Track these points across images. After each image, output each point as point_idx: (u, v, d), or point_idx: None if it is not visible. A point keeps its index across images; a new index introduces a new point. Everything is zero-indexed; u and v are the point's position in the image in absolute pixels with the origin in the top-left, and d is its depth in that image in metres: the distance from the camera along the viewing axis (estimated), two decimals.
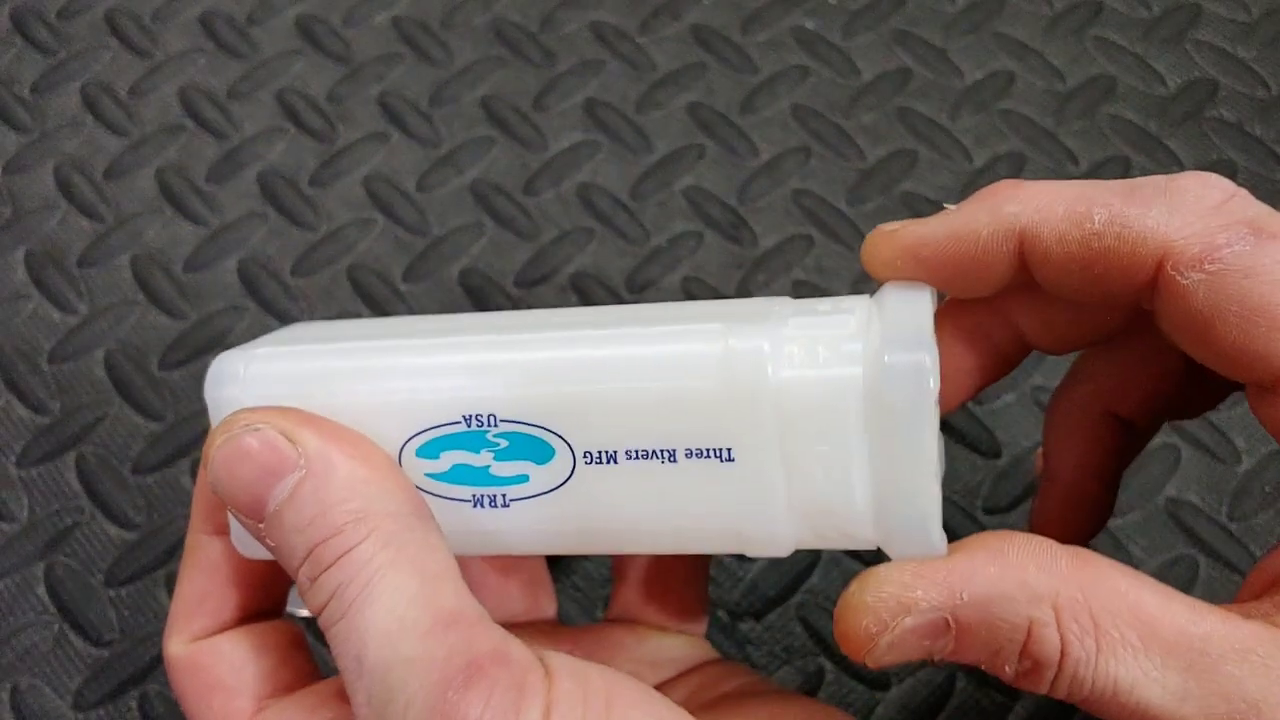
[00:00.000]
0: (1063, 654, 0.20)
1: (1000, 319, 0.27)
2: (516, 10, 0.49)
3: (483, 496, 0.24)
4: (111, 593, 0.37)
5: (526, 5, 0.49)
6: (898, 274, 0.24)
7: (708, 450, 0.22)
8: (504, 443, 0.23)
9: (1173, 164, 0.43)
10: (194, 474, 0.39)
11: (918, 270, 0.24)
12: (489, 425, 0.23)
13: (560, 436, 0.23)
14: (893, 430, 0.21)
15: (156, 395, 0.40)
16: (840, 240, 0.43)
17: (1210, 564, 0.36)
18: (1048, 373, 0.39)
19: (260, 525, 0.22)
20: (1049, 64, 0.46)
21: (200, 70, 0.48)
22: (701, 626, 0.31)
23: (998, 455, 0.38)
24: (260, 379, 0.24)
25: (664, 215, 0.43)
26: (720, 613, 0.36)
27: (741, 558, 0.37)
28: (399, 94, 0.47)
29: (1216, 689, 0.20)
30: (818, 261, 0.42)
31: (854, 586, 0.21)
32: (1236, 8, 0.47)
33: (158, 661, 0.36)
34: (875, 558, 0.22)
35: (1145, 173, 0.43)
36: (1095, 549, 0.22)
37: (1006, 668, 0.21)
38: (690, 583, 0.31)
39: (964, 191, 0.43)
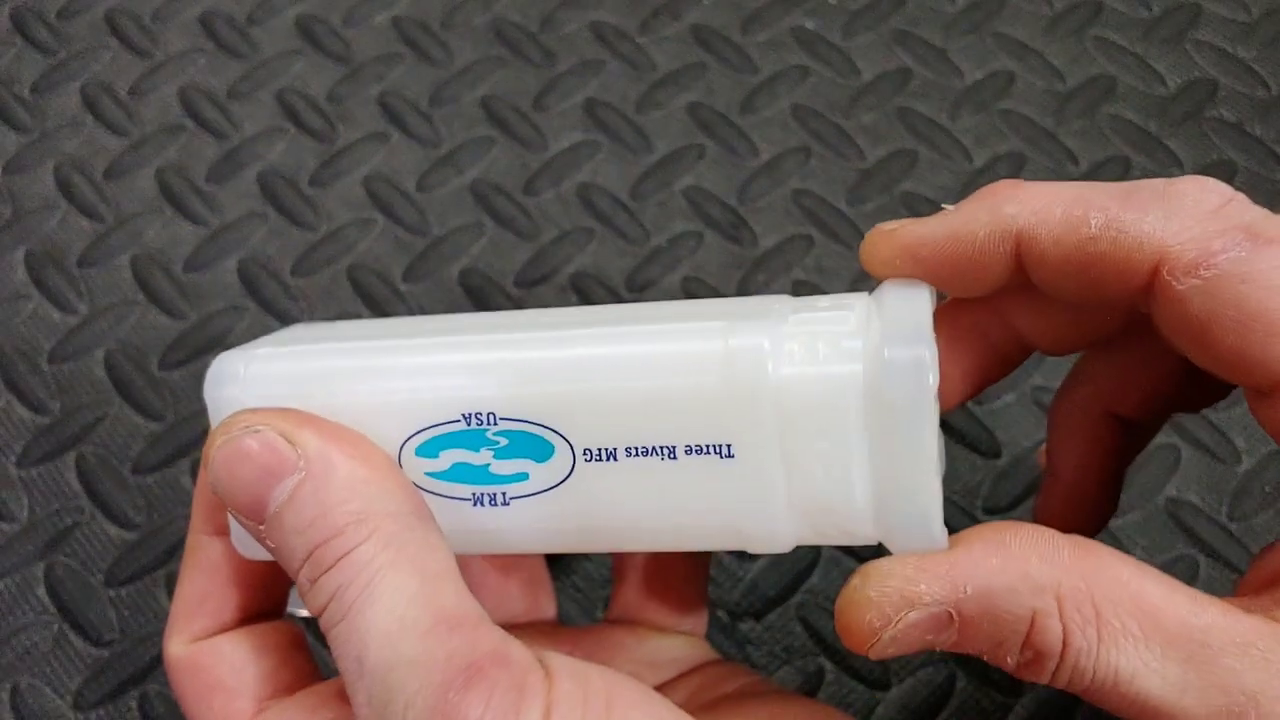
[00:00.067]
0: (1064, 644, 0.20)
1: (999, 319, 0.27)
2: (516, 10, 0.49)
3: (483, 495, 0.24)
4: (111, 593, 0.37)
5: (526, 5, 0.49)
6: (896, 273, 0.24)
7: (708, 447, 0.22)
8: (504, 441, 0.23)
9: (1173, 164, 0.43)
10: (194, 474, 0.39)
11: (916, 269, 0.24)
12: (488, 423, 0.23)
13: (560, 434, 0.23)
14: (893, 425, 0.21)
15: (156, 395, 0.40)
16: (840, 240, 0.43)
17: (1210, 564, 0.36)
18: (1048, 373, 0.39)
19: (260, 527, 0.22)
20: (1049, 64, 0.46)
21: (200, 70, 0.48)
22: (701, 626, 0.31)
23: (998, 455, 0.38)
24: (260, 379, 0.24)
25: (664, 215, 0.43)
26: (720, 613, 0.36)
27: (742, 556, 0.37)
28: (399, 94, 0.47)
29: (1216, 681, 0.20)
30: (818, 261, 0.42)
31: (855, 581, 0.21)
32: (1236, 8, 0.47)
33: (158, 661, 0.36)
34: (873, 556, 0.22)
35: (1145, 172, 0.43)
36: None
37: (1008, 659, 0.21)
38: (690, 581, 0.31)
39: (964, 191, 0.43)
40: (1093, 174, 0.43)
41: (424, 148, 0.45)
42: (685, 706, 0.22)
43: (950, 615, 0.21)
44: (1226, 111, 0.45)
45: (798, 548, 0.24)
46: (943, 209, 0.24)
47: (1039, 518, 0.30)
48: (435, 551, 0.22)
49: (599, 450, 0.23)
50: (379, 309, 0.42)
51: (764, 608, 0.36)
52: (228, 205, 0.44)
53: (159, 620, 0.36)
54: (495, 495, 0.24)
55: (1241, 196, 0.22)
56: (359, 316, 0.42)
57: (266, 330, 0.39)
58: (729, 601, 0.36)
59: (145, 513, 0.38)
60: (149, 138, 0.46)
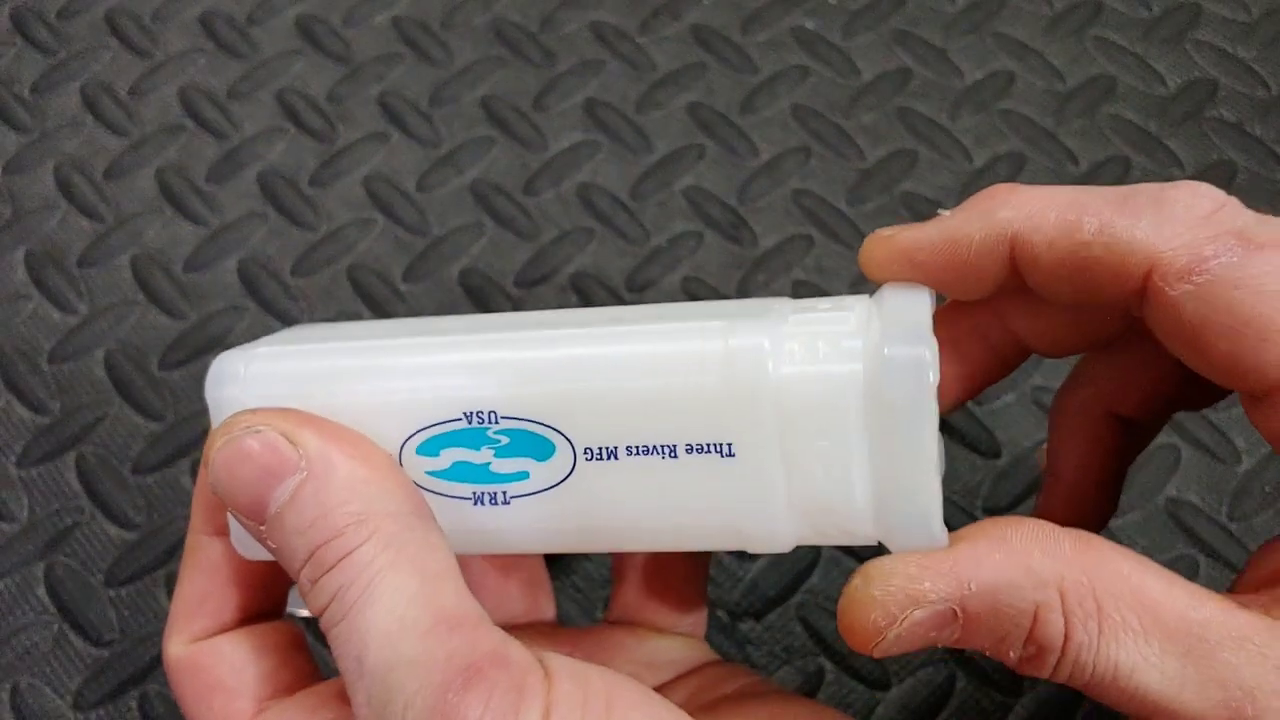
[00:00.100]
0: (1066, 638, 0.20)
1: (998, 322, 0.27)
2: (516, 10, 0.49)
3: (483, 494, 0.24)
4: (111, 593, 0.37)
5: (526, 5, 0.49)
6: (894, 277, 0.24)
7: (708, 446, 0.22)
8: (504, 439, 0.23)
9: (1173, 164, 0.43)
10: (194, 474, 0.39)
11: (913, 273, 0.24)
12: (489, 422, 0.23)
13: (561, 433, 0.23)
14: (893, 425, 0.21)
15: (156, 395, 0.40)
16: (840, 240, 0.43)
17: (1210, 564, 0.36)
18: (1048, 373, 0.39)
19: (261, 527, 0.22)
20: (1049, 64, 0.46)
21: (200, 70, 0.48)
22: (701, 626, 0.31)
23: (998, 455, 0.38)
24: (261, 379, 0.24)
25: (664, 215, 0.43)
26: (720, 613, 0.36)
27: (742, 556, 0.37)
28: (399, 94, 0.47)
29: (1213, 675, 0.20)
30: (818, 261, 0.42)
31: (858, 580, 0.21)
32: (1236, 8, 0.47)
33: (158, 662, 0.36)
34: (874, 556, 0.22)
35: (1146, 172, 0.43)
36: None
37: (1011, 653, 0.21)
38: (690, 581, 0.31)
39: (964, 191, 0.43)
40: (1093, 174, 0.43)
41: (424, 148, 0.45)
42: (685, 707, 0.22)
43: (954, 612, 0.21)
44: (1226, 111, 0.45)
45: (798, 548, 0.24)
46: (939, 213, 0.24)
47: (1039, 517, 0.30)
48: (435, 551, 0.22)
49: (600, 449, 0.23)
50: (379, 309, 0.42)
51: (764, 608, 0.36)
52: (228, 205, 0.44)
53: (159, 620, 0.36)
54: (496, 494, 0.24)
55: (1234, 201, 0.22)
56: (359, 316, 0.42)
57: (266, 330, 0.39)
58: (729, 601, 0.36)
59: (145, 513, 0.38)
60: (149, 138, 0.46)
